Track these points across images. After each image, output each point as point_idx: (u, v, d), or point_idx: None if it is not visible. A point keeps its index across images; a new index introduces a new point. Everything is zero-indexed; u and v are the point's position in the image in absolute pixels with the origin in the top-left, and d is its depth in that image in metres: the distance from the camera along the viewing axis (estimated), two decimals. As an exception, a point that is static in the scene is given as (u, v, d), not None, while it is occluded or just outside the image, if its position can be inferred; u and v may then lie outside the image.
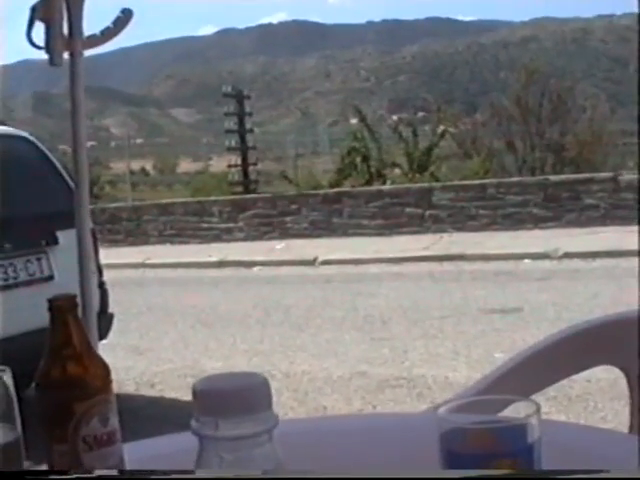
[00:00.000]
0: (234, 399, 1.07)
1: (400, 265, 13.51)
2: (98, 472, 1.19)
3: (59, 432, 1.22)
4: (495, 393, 1.86)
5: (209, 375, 1.16)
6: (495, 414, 1.25)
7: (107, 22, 2.66)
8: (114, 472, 1.22)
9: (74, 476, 1.15)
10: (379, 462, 1.50)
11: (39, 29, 2.44)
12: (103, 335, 6.02)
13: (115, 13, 2.67)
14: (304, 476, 1.12)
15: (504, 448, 1.13)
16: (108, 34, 2.58)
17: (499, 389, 2.11)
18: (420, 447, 1.32)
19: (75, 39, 2.50)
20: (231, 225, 18.38)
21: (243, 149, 27.47)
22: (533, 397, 1.84)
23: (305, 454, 1.46)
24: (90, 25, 2.62)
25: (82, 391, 1.22)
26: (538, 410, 1.16)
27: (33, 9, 2.39)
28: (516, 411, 1.21)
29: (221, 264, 15.23)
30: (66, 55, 2.54)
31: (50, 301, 1.22)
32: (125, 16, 2.58)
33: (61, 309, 1.23)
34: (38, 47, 2.45)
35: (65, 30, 2.49)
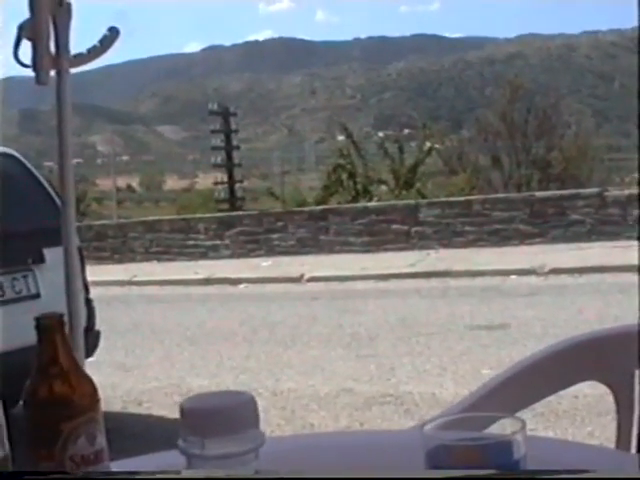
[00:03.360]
0: (220, 418, 1.07)
1: (387, 282, 13.52)
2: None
3: (46, 451, 1.21)
4: (482, 410, 1.87)
5: (196, 394, 1.16)
6: (482, 431, 1.25)
7: (93, 40, 2.67)
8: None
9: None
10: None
11: (26, 47, 2.45)
12: (90, 353, 5.99)
13: (101, 31, 2.68)
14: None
15: (490, 464, 1.13)
16: (95, 52, 2.58)
17: (486, 406, 2.11)
18: (407, 464, 1.32)
19: (62, 57, 2.50)
20: (217, 242, 18.36)
21: (229, 166, 27.52)
22: (520, 413, 1.84)
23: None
24: (76, 43, 2.62)
25: (69, 410, 1.21)
26: (524, 427, 1.16)
27: (20, 27, 2.39)
28: (502, 428, 1.21)
29: (207, 281, 15.21)
30: (52, 73, 2.54)
31: (37, 319, 1.22)
32: (112, 35, 2.58)
33: (48, 327, 1.22)
34: (25, 65, 2.45)
35: (52, 48, 2.50)
